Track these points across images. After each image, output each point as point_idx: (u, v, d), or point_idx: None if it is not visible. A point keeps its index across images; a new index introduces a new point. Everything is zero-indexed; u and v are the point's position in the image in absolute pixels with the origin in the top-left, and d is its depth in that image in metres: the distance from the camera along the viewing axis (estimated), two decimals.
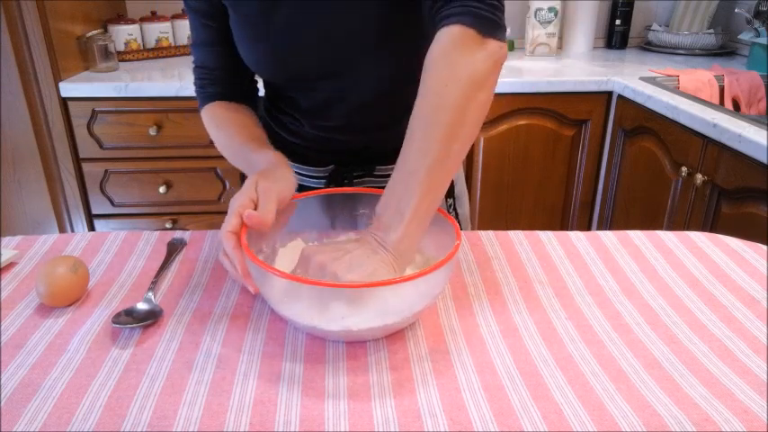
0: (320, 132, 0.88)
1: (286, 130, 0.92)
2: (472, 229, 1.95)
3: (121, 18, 1.98)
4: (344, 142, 0.89)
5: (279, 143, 0.94)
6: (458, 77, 0.63)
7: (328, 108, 0.86)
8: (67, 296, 0.67)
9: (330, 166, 0.91)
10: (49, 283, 0.66)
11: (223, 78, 0.88)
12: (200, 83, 0.89)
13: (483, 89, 0.64)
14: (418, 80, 0.73)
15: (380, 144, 0.89)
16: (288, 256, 0.72)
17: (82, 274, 0.69)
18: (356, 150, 0.90)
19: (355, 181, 0.91)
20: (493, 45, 0.65)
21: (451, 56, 0.64)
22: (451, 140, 0.63)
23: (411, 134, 0.64)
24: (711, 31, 2.18)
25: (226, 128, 0.85)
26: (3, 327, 0.65)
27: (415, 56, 0.84)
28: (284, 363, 0.59)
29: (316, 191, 0.77)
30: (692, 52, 2.19)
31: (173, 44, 2.06)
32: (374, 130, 0.89)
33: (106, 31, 1.96)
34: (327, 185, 0.91)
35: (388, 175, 0.88)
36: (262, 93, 0.96)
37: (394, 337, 0.63)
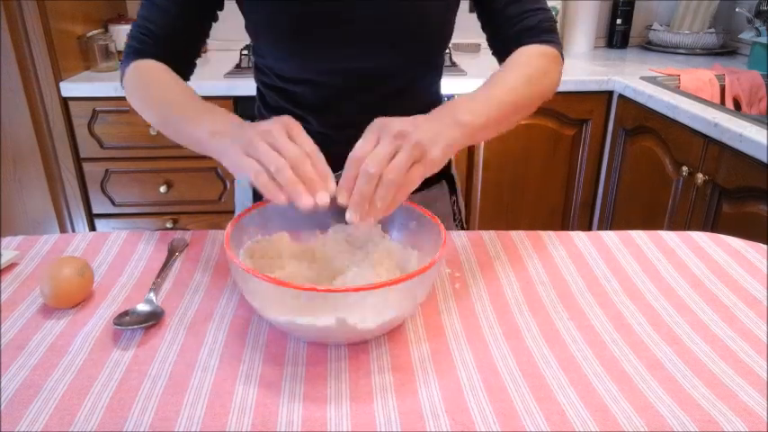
0: (327, 130, 0.88)
1: None
2: (471, 228, 1.95)
3: (122, 18, 1.98)
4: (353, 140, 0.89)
5: None
6: (544, 77, 0.79)
7: (337, 104, 0.85)
8: (72, 298, 0.67)
9: (338, 173, 0.90)
10: (54, 285, 0.66)
11: (166, 43, 0.82)
12: (139, 38, 0.82)
13: (547, 97, 0.81)
14: (426, 83, 0.79)
15: None
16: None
17: (88, 277, 0.68)
18: None
19: None
20: (561, 66, 0.84)
21: (543, 60, 0.80)
22: (519, 110, 0.75)
23: (507, 76, 0.75)
24: (712, 30, 2.18)
25: (170, 83, 0.77)
26: (4, 328, 0.65)
27: (436, 55, 0.88)
28: (286, 363, 0.59)
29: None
30: (692, 52, 2.19)
31: None
32: None
33: (107, 30, 1.96)
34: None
35: None
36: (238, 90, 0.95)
37: (396, 337, 0.63)
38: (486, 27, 0.87)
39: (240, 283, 0.62)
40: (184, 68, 0.86)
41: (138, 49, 0.82)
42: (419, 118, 0.64)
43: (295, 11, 0.79)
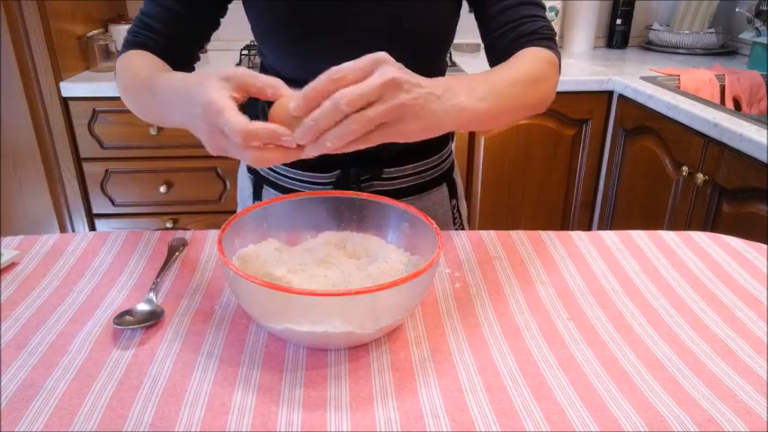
0: None
1: None
2: (471, 228, 1.94)
3: (122, 18, 1.98)
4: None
5: None
6: (547, 84, 0.78)
7: None
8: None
9: (336, 172, 0.90)
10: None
11: (165, 40, 0.82)
12: (135, 30, 0.81)
13: (545, 103, 0.81)
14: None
15: (388, 144, 0.89)
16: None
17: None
18: (362, 151, 0.89)
19: (363, 185, 0.91)
20: (559, 76, 0.84)
21: (545, 65, 0.77)
22: (517, 109, 0.73)
23: (510, 70, 0.73)
24: (712, 30, 2.18)
25: (150, 64, 0.77)
26: (4, 327, 0.65)
27: (437, 58, 0.88)
28: (286, 363, 0.59)
29: (324, 191, 0.77)
30: (692, 52, 2.19)
31: None
32: None
33: (107, 30, 1.96)
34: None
35: (396, 178, 0.89)
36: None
37: (395, 338, 0.63)
38: (484, 35, 0.84)
39: (233, 287, 0.62)
40: (181, 68, 0.85)
41: (135, 42, 0.81)
42: (437, 80, 0.61)
43: (296, 14, 0.79)
